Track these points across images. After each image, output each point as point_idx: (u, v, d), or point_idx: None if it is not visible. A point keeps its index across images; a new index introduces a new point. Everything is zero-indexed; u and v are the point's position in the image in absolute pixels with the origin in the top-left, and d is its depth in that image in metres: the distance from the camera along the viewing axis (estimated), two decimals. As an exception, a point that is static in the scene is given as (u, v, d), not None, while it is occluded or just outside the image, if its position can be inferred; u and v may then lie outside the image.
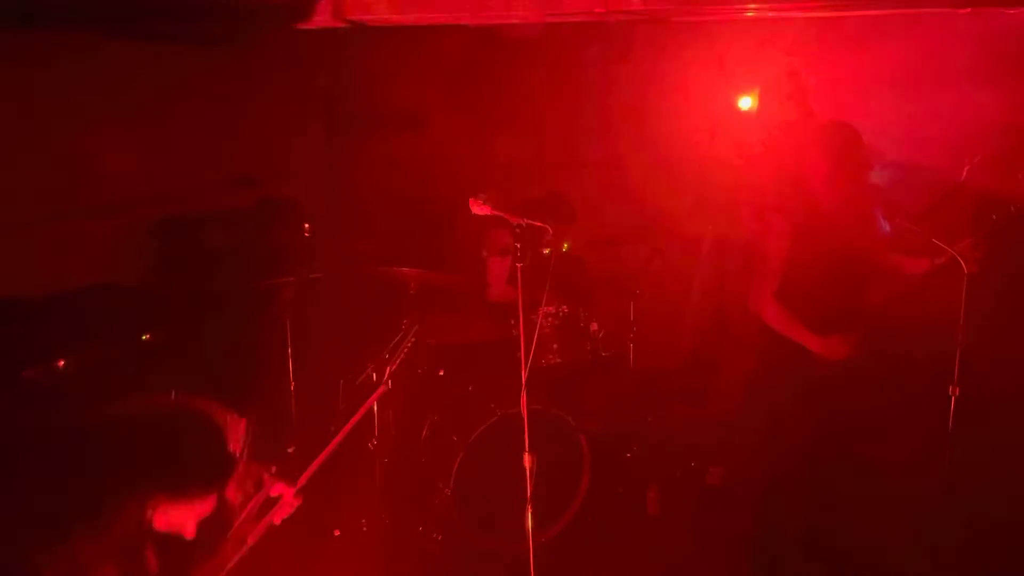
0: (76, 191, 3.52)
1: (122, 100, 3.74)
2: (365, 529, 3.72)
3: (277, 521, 2.18)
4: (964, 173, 3.66)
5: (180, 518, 1.81)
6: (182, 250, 4.04)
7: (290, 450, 3.64)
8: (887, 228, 3.52)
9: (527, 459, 2.67)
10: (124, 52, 3.72)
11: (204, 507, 1.83)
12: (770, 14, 3.53)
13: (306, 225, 4.33)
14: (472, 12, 3.00)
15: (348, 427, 2.60)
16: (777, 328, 3.23)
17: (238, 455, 1.83)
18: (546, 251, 2.70)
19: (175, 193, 4.03)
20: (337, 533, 3.70)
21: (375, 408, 3.76)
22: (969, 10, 3.14)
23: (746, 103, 4.67)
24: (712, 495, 4.15)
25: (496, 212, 2.65)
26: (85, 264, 3.49)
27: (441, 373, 4.08)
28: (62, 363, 3.19)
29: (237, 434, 1.85)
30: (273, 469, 2.18)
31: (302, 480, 2.26)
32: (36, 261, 3.30)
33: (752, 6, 3.15)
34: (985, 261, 3.05)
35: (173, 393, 1.84)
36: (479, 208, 2.67)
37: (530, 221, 2.63)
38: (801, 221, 3.16)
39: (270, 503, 2.16)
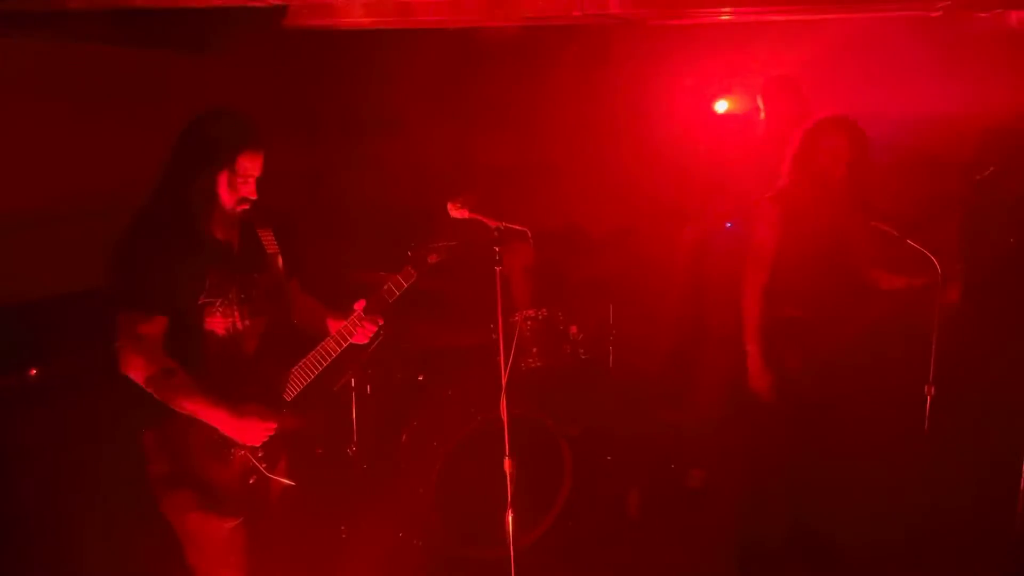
0: (54, 197, 3.47)
1: (104, 105, 3.69)
2: (344, 536, 3.69)
3: (360, 340, 2.75)
4: (976, 181, 3.66)
5: (248, 168, 2.46)
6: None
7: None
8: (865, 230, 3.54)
9: (507, 464, 2.66)
10: (106, 57, 3.68)
11: (257, 166, 2.48)
12: (745, 18, 3.56)
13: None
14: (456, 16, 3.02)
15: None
16: (744, 322, 3.29)
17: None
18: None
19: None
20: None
21: (353, 414, 3.74)
22: (940, 13, 3.18)
23: (723, 106, 4.70)
24: (693, 498, 4.16)
25: (474, 215, 2.65)
26: (62, 270, 3.43)
27: (420, 378, 4.06)
28: (33, 372, 3.14)
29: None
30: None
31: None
32: (9, 267, 3.25)
33: (727, 9, 3.18)
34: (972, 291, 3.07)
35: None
36: (457, 211, 2.66)
37: (508, 224, 2.62)
38: (792, 212, 3.18)
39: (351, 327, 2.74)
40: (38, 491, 3.09)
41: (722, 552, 3.56)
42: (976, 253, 3.29)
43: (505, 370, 2.60)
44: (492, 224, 2.62)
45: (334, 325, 2.77)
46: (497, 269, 2.62)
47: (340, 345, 2.73)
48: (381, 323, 2.77)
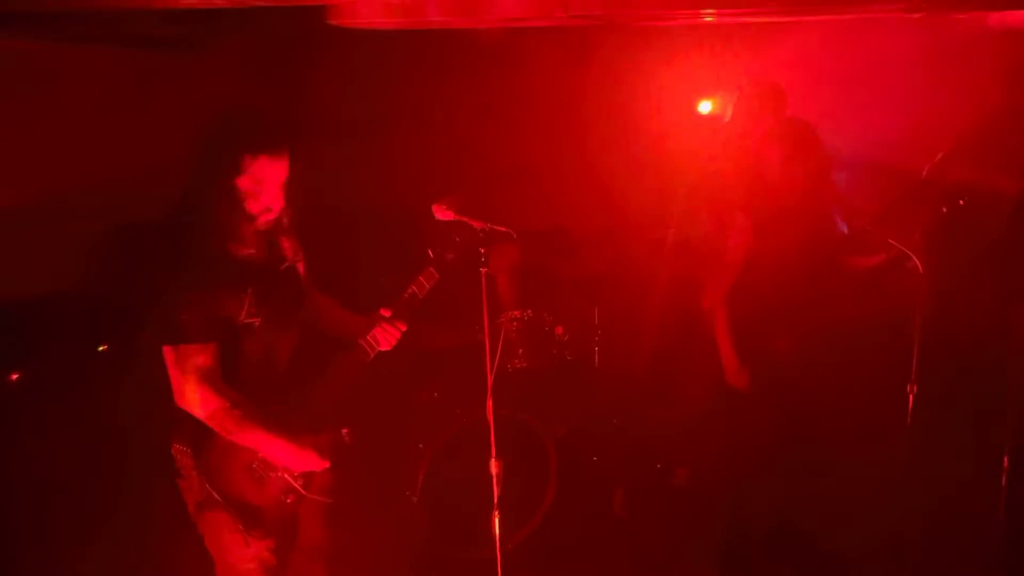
0: (29, 199, 3.44)
1: (90, 106, 3.67)
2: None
3: (385, 347, 2.68)
4: (925, 172, 3.74)
5: (267, 174, 2.33)
6: (141, 258, 3.96)
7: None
8: (845, 230, 3.58)
9: (494, 465, 2.66)
10: (83, 57, 3.65)
11: (277, 170, 2.35)
12: (728, 19, 3.58)
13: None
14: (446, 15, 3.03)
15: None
16: (714, 329, 3.34)
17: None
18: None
19: (134, 200, 3.96)
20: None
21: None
22: (922, 15, 3.21)
23: (707, 107, 4.72)
24: (678, 496, 4.17)
25: (459, 217, 2.64)
26: (38, 274, 3.41)
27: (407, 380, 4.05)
28: (15, 376, 3.12)
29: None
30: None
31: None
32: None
33: (709, 10, 3.19)
34: (936, 254, 3.12)
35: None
36: (443, 213, 2.66)
37: (493, 226, 2.62)
38: (763, 220, 3.21)
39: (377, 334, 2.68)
40: (19, 501, 3.07)
41: (708, 549, 3.57)
42: (951, 252, 3.34)
43: (491, 371, 2.60)
44: (477, 225, 2.62)
45: (360, 332, 2.69)
46: (483, 270, 2.62)
47: (369, 354, 2.67)
48: (404, 328, 2.70)
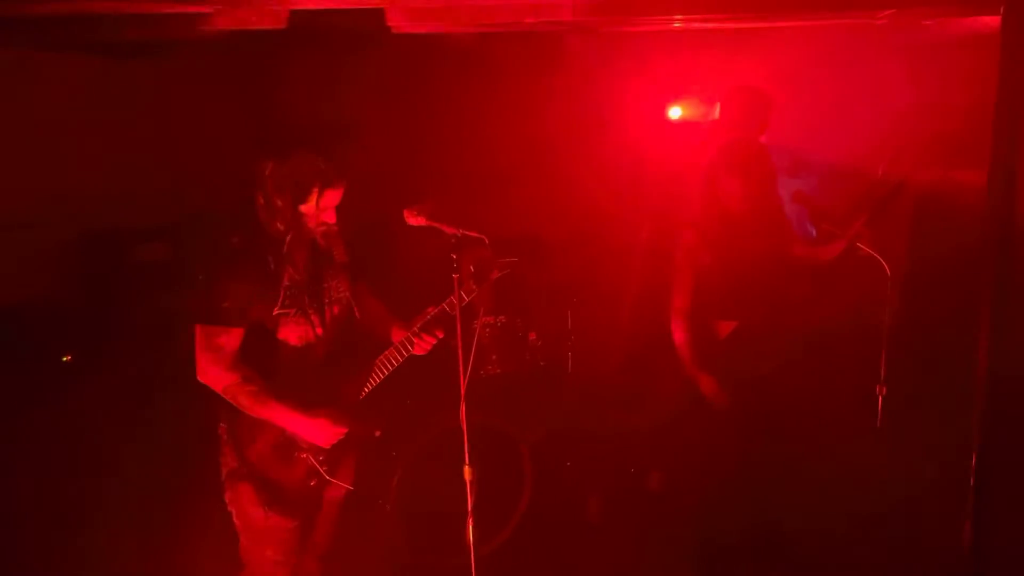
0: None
1: (37, 111, 3.60)
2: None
3: (420, 352, 2.84)
4: (880, 170, 3.81)
5: (329, 201, 2.64)
6: (104, 267, 3.90)
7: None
8: (814, 234, 3.62)
9: (467, 472, 2.65)
10: (41, 63, 3.59)
11: (337, 196, 2.66)
12: (697, 25, 3.60)
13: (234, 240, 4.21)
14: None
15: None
16: (678, 349, 3.38)
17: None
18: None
19: (96, 209, 3.89)
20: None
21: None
22: (884, 21, 3.26)
23: (677, 112, 4.76)
24: (652, 500, 4.17)
25: (431, 223, 2.64)
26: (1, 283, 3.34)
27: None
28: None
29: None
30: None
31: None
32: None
33: (678, 17, 3.22)
34: (881, 238, 3.20)
35: None
36: (414, 219, 2.66)
37: (465, 232, 2.61)
38: (712, 235, 3.26)
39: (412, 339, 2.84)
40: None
41: (682, 553, 3.58)
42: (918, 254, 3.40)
43: (464, 377, 2.60)
44: (449, 231, 2.61)
45: (396, 335, 2.86)
46: (455, 276, 2.62)
47: (401, 356, 2.83)
48: (441, 336, 2.84)
